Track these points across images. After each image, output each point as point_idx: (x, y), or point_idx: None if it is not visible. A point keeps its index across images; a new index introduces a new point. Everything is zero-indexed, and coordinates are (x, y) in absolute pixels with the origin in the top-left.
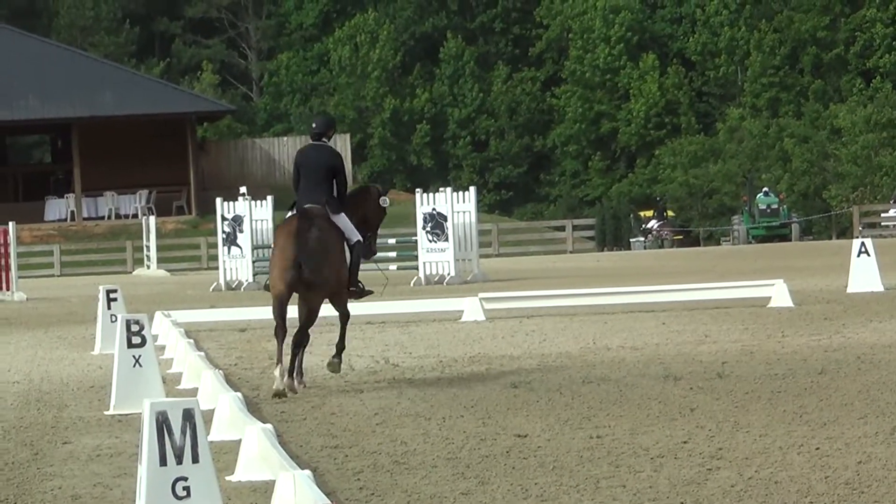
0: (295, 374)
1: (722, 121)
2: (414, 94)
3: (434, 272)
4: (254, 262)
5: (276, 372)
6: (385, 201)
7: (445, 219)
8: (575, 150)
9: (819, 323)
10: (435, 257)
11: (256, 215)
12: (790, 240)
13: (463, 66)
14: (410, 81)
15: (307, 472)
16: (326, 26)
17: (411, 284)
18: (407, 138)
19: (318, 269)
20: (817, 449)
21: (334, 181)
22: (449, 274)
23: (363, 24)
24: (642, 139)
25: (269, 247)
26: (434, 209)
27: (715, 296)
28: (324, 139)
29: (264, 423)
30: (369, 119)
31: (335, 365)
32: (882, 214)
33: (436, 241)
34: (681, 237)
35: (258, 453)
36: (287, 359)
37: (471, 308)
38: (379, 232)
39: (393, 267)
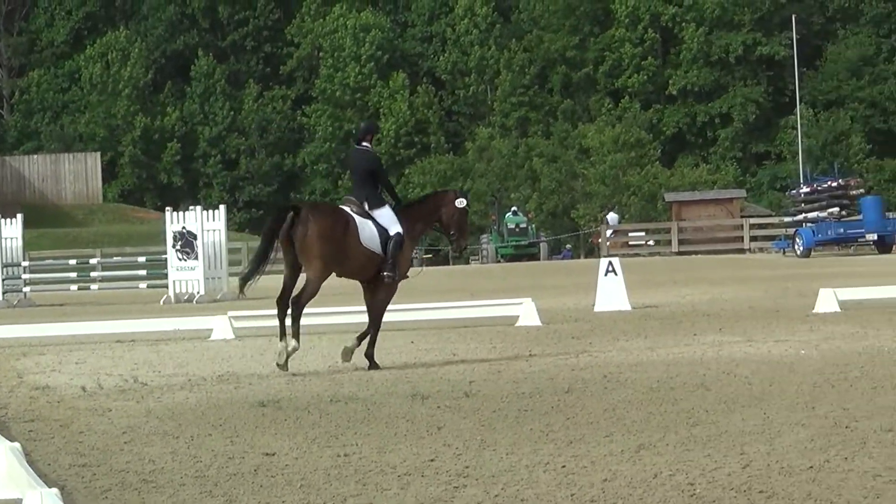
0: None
1: (471, 140)
2: (165, 112)
3: (184, 290)
4: (3, 279)
5: (280, 346)
6: (461, 202)
7: (195, 237)
8: (325, 168)
9: (566, 342)
10: (185, 276)
11: (6, 233)
12: (539, 259)
13: (214, 85)
14: (161, 99)
15: (55, 490)
16: (78, 44)
17: (161, 303)
18: (157, 156)
19: (304, 230)
20: (563, 467)
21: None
22: (199, 292)
23: (114, 41)
24: (392, 158)
25: (18, 264)
26: (184, 227)
27: (463, 314)
28: (364, 143)
29: (12, 441)
30: (120, 137)
31: (346, 352)
32: (630, 234)
33: (185, 260)
34: (430, 255)
35: (5, 471)
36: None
37: (220, 326)
38: (131, 249)
39: (143, 285)
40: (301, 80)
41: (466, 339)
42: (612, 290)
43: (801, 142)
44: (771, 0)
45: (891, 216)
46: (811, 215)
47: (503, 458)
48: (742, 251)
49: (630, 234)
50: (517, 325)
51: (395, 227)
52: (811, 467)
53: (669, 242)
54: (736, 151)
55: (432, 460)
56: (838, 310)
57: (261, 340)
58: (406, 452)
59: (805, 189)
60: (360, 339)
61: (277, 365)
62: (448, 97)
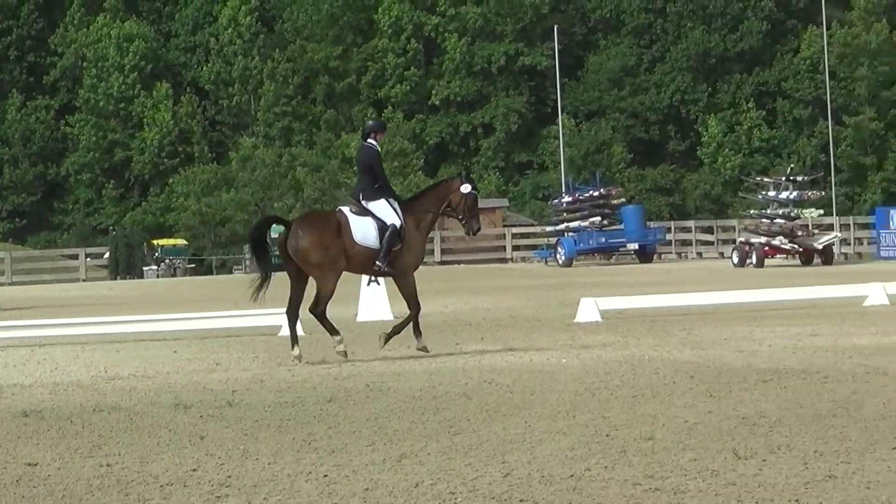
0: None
1: (235, 149)
2: None
3: None
4: None
5: (293, 352)
6: (466, 187)
7: None
8: (89, 178)
9: (329, 351)
10: None
11: None
12: None
13: None
14: None
15: None
16: None
17: None
18: None
19: (296, 243)
20: (325, 476)
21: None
22: None
23: None
24: (156, 168)
25: None
26: None
27: (227, 324)
28: (369, 140)
29: None
30: None
31: (381, 338)
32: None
33: None
34: (194, 266)
35: None
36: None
37: None
38: None
39: None
40: (64, 89)
41: (230, 349)
42: (374, 300)
43: (563, 151)
44: (533, 10)
45: (652, 225)
46: (573, 224)
47: (265, 467)
48: (504, 261)
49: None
50: (279, 334)
51: (390, 219)
52: (572, 475)
53: (431, 252)
54: (498, 161)
55: (195, 470)
56: (599, 319)
57: (23, 351)
58: (168, 462)
59: (567, 198)
60: (400, 327)
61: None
62: (212, 107)
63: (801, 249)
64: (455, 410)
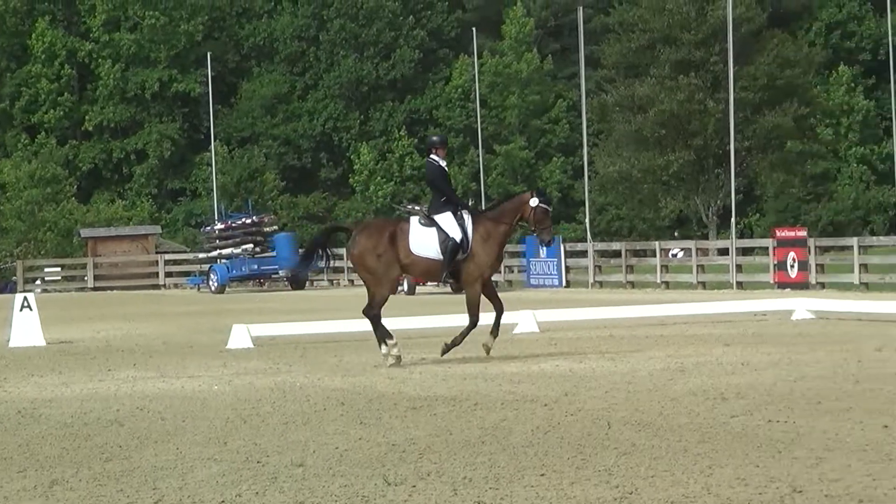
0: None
1: None
2: None
3: None
4: None
5: (382, 350)
6: (534, 202)
7: None
8: None
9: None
10: None
11: None
12: None
13: None
14: None
15: None
16: None
17: None
18: None
19: (351, 249)
20: None
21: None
22: None
23: None
24: None
25: None
26: None
27: None
28: (432, 156)
29: None
30: None
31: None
32: (46, 269)
33: None
34: None
35: None
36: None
37: None
38: None
39: None
40: None
41: None
42: (26, 326)
43: (216, 178)
44: (187, 37)
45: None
46: (225, 252)
47: None
48: (158, 287)
49: (46, 270)
50: None
51: (452, 231)
52: (223, 502)
53: (85, 278)
54: (151, 188)
55: None
56: (251, 345)
57: None
58: None
59: (219, 225)
60: (459, 339)
61: (390, 362)
62: None
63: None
64: (107, 437)
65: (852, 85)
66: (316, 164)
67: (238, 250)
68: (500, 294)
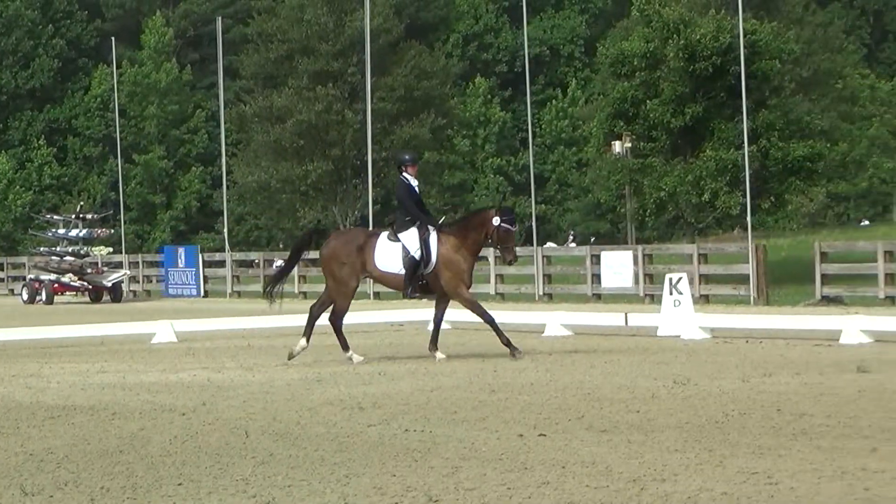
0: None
1: None
2: None
3: None
4: None
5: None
6: (496, 220)
7: None
8: None
9: None
10: None
11: None
12: None
13: None
14: None
15: None
16: None
17: None
18: None
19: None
20: None
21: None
22: None
23: None
24: None
25: None
26: None
27: None
28: (403, 174)
29: None
30: None
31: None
32: None
33: None
34: None
35: None
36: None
37: None
38: None
39: None
40: None
41: None
42: None
43: None
44: None
45: None
46: None
47: None
48: None
49: None
50: None
51: (413, 249)
52: None
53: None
54: None
55: None
56: None
57: None
58: None
59: None
60: (503, 338)
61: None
62: None
63: (90, 287)
64: None
65: (489, 96)
66: None
67: None
68: (136, 304)
